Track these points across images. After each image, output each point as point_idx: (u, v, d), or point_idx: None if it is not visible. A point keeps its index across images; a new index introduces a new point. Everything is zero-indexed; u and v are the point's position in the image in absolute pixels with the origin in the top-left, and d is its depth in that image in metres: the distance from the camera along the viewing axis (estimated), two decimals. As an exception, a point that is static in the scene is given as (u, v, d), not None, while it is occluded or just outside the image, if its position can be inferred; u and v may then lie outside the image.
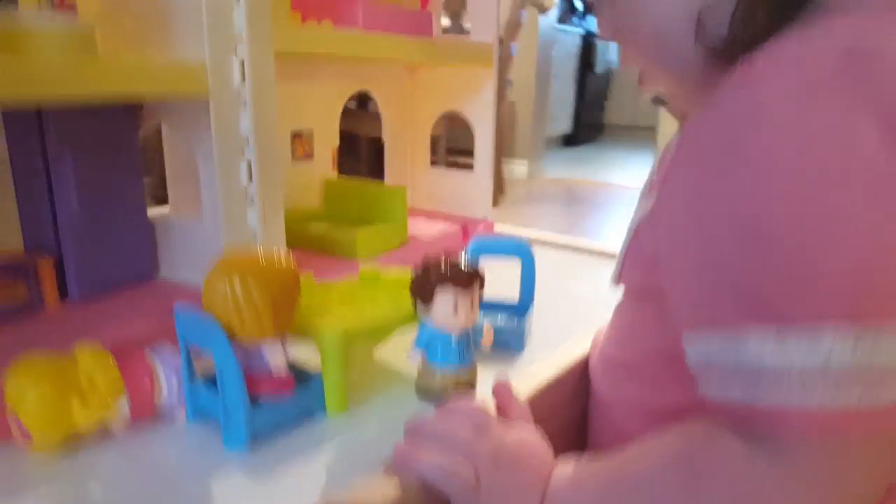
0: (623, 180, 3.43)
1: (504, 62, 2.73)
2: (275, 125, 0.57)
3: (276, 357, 0.42)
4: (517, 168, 3.76)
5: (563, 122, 4.88)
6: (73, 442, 0.42)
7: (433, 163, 0.93)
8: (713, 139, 0.31)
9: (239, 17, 0.52)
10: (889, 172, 0.27)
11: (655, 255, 0.38)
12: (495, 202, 3.03)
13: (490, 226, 0.89)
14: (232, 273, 0.40)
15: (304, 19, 0.62)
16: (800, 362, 0.27)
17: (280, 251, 0.43)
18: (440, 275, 0.45)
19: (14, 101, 0.41)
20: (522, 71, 3.59)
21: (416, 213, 0.89)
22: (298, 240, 0.70)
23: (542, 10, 3.06)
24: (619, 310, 0.48)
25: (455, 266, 0.45)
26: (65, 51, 0.43)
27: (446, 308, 0.45)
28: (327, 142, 0.84)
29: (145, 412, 0.44)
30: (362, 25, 0.64)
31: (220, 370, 0.41)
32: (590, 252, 0.84)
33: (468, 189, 0.90)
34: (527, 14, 2.97)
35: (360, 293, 0.52)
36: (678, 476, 0.32)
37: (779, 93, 0.29)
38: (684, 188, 0.33)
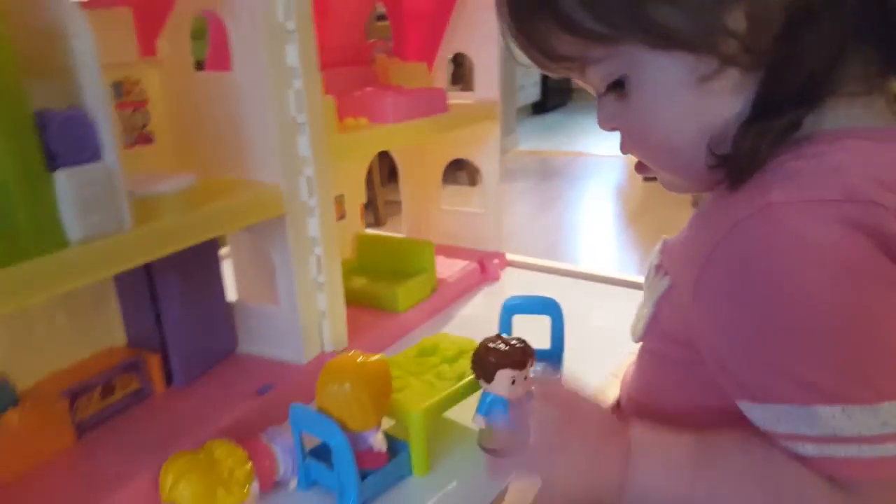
0: (593, 149, 3.56)
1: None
2: (335, 225, 0.66)
3: (377, 441, 0.53)
4: None
5: (531, 91, 4.95)
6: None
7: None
8: (748, 269, 0.37)
9: (303, 144, 0.61)
10: None
11: (682, 328, 0.43)
12: (474, 182, 3.12)
13: (503, 258, 0.99)
14: (343, 378, 0.51)
15: (341, 117, 0.71)
16: (867, 428, 0.35)
17: (375, 356, 0.54)
18: (500, 358, 0.56)
19: (143, 262, 0.50)
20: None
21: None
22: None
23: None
24: (642, 360, 0.51)
25: (511, 347, 0.56)
26: (178, 209, 0.52)
27: (505, 383, 0.56)
28: (356, 200, 0.93)
29: (268, 488, 0.55)
30: (392, 119, 0.73)
31: (337, 456, 0.51)
32: (584, 277, 0.95)
33: (480, 225, 1.00)
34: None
35: (426, 363, 0.62)
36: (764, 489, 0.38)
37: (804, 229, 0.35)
38: (729, 301, 0.38)
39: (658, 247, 0.50)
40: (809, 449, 0.36)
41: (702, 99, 0.40)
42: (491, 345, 0.57)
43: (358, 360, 0.53)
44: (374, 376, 0.52)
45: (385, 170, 2.44)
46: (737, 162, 0.39)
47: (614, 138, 0.46)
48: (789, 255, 0.36)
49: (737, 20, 0.38)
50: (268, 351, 0.70)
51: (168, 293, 0.61)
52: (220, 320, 0.68)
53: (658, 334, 0.47)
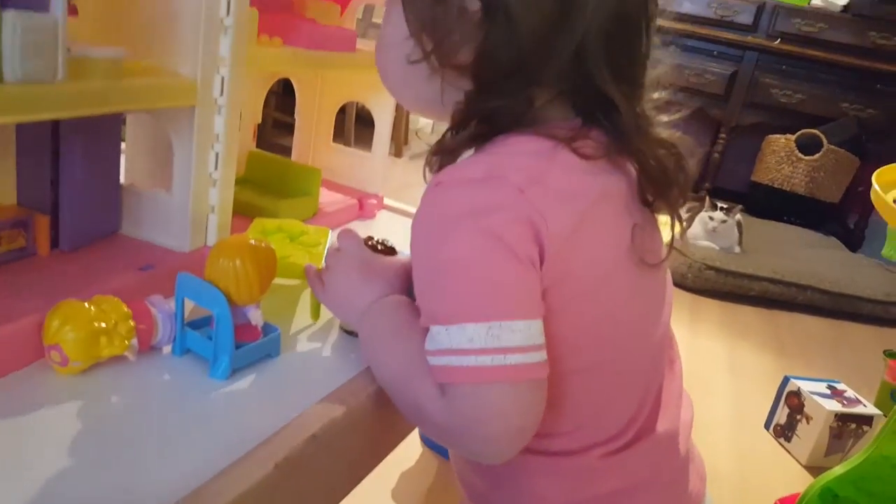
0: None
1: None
2: (237, 125, 0.72)
3: (256, 316, 0.60)
4: (422, 120, 3.88)
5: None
6: (94, 366, 0.57)
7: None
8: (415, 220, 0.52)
9: (224, 44, 0.67)
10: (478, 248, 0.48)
11: None
12: (398, 153, 3.19)
13: (381, 200, 1.08)
14: (234, 255, 0.57)
15: (258, 33, 0.77)
16: (456, 343, 0.48)
17: (265, 242, 0.61)
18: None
19: (67, 116, 0.54)
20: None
21: (317, 182, 1.06)
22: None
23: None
24: None
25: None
26: (108, 74, 0.56)
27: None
28: (251, 119, 0.98)
29: (145, 347, 0.60)
30: (305, 45, 0.80)
31: (219, 323, 0.58)
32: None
33: (365, 166, 1.08)
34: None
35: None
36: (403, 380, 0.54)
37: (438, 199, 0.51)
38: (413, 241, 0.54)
39: None
40: (430, 360, 0.50)
41: (408, 73, 0.55)
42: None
43: (251, 242, 0.60)
44: (264, 257, 0.59)
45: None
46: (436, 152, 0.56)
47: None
48: (422, 214, 0.52)
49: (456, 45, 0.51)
50: (151, 236, 0.74)
51: (71, 158, 0.64)
52: (111, 197, 0.71)
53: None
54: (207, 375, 0.58)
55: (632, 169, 0.55)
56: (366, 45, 1.01)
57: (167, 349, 0.62)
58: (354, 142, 3.08)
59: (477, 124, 0.55)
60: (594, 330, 0.53)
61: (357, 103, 2.60)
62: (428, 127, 3.93)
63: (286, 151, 1.11)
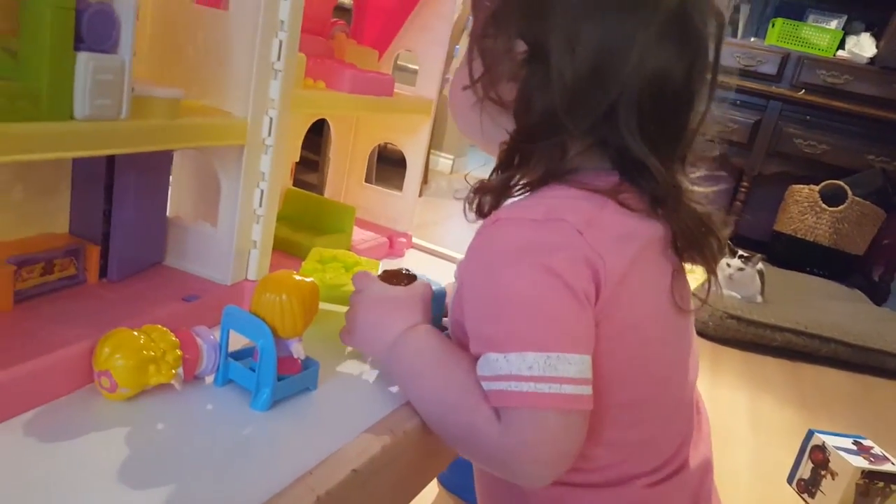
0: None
1: (447, 60, 2.92)
2: (282, 164, 0.75)
3: (298, 349, 0.62)
4: (442, 161, 3.97)
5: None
6: (141, 393, 0.59)
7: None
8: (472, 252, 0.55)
9: (274, 87, 0.69)
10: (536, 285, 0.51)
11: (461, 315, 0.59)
12: (419, 193, 3.25)
13: (409, 238, 1.10)
14: (280, 290, 0.59)
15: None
16: (516, 369, 0.50)
17: (308, 279, 0.62)
18: (386, 277, 0.69)
19: (128, 151, 0.56)
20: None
21: (350, 220, 1.08)
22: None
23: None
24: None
25: (396, 272, 0.70)
26: (167, 113, 0.59)
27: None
28: (290, 158, 1.01)
29: (189, 377, 0.62)
30: (347, 89, 0.83)
31: (262, 355, 0.59)
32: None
33: (396, 206, 1.11)
34: (472, 20, 3.16)
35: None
36: (454, 406, 0.55)
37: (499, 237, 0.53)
38: (466, 276, 0.57)
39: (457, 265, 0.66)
40: (486, 385, 0.52)
41: (460, 98, 0.60)
42: (391, 271, 0.71)
43: (295, 277, 0.61)
44: (308, 293, 0.61)
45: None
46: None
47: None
48: (480, 246, 0.54)
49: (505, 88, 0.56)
50: (194, 268, 0.76)
51: (124, 192, 0.66)
52: (158, 230, 0.74)
53: (454, 324, 0.63)
54: (249, 406, 0.60)
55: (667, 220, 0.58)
56: (402, 89, 1.05)
57: (209, 379, 0.64)
58: (375, 180, 3.14)
59: (517, 167, 0.57)
60: (639, 365, 0.56)
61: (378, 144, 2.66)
62: (447, 168, 3.99)
63: (310, 188, 1.15)
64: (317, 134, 1.10)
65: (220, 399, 0.61)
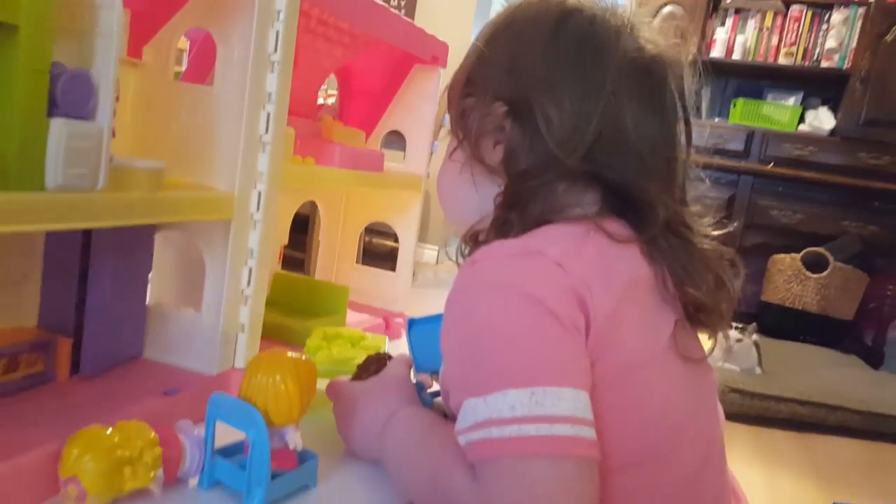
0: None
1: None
2: (272, 242, 0.70)
3: (295, 439, 0.55)
4: (427, 252, 3.95)
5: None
6: (116, 501, 0.51)
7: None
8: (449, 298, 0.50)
9: (263, 161, 0.66)
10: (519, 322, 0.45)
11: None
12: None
13: (406, 319, 1.05)
14: (273, 370, 0.53)
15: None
16: (496, 411, 0.42)
17: (304, 356, 0.57)
18: (367, 371, 0.66)
19: (105, 225, 0.52)
20: (436, 166, 3.83)
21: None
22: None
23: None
24: None
25: (367, 360, 0.67)
26: (147, 186, 0.55)
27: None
28: (278, 241, 0.97)
29: (171, 480, 0.54)
30: (338, 164, 0.80)
31: (254, 449, 0.53)
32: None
33: (389, 286, 1.06)
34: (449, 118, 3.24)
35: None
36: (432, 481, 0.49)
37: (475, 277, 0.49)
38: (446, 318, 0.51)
39: None
40: (464, 440, 0.45)
41: (448, 166, 0.60)
42: (373, 356, 0.68)
43: (290, 356, 0.55)
44: (305, 372, 0.55)
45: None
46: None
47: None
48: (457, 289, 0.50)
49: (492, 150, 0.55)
50: (177, 360, 0.69)
51: (100, 279, 0.61)
52: (137, 321, 0.68)
53: (444, 394, 0.57)
54: (239, 510, 0.52)
55: (661, 259, 0.53)
56: (392, 167, 1.03)
57: (193, 481, 0.56)
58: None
59: (511, 209, 0.55)
60: (640, 417, 0.48)
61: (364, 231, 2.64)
62: (433, 259, 3.98)
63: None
64: (301, 232, 1.06)
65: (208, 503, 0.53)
